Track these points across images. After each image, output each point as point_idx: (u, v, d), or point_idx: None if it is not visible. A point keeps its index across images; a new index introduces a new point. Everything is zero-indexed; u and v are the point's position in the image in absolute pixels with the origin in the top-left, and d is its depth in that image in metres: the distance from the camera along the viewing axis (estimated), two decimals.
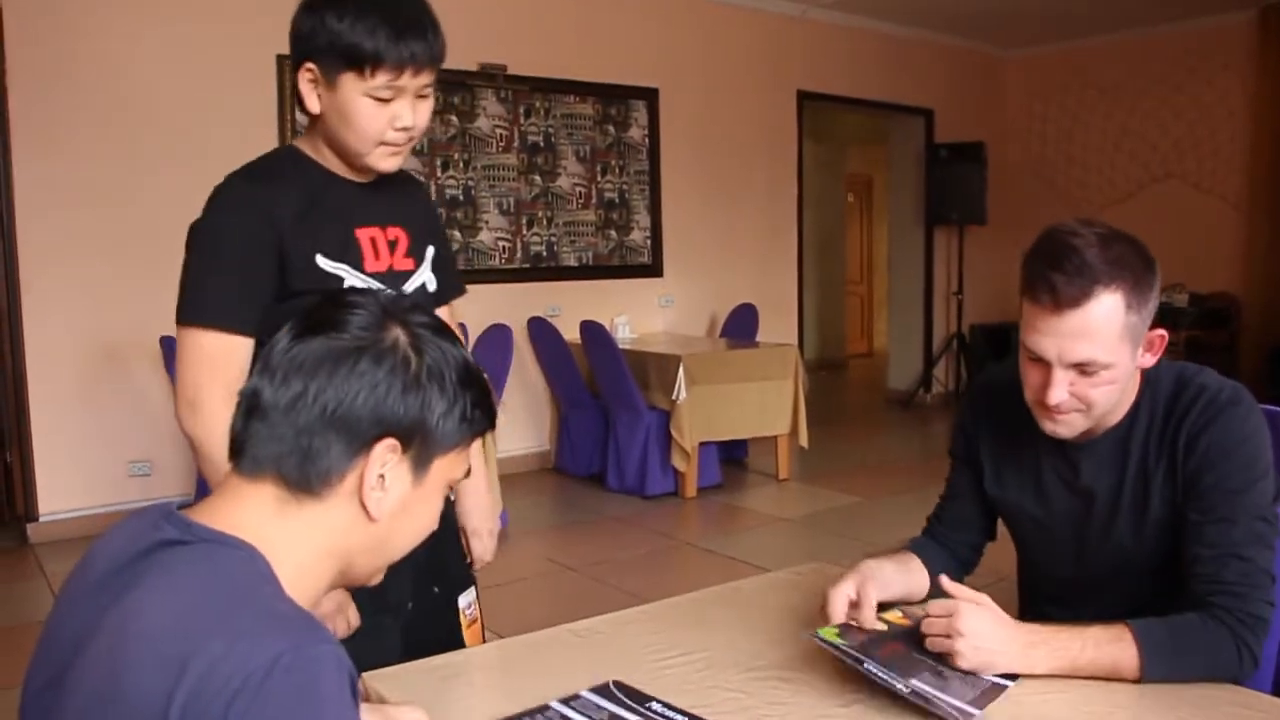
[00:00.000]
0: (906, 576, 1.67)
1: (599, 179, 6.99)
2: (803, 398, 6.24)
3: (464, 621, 1.87)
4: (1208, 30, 8.30)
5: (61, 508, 5.12)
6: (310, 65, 1.59)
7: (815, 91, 8.19)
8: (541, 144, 6.69)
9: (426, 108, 1.64)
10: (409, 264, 1.78)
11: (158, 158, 5.25)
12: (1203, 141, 8.49)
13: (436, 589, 1.82)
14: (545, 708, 1.33)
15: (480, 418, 1.06)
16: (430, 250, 1.83)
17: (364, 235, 1.70)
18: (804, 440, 6.28)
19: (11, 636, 3.92)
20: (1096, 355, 1.44)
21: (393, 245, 1.74)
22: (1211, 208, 8.45)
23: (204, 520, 0.96)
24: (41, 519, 5.09)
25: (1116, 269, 1.43)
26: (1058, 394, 1.48)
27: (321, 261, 1.64)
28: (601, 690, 1.38)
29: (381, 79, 1.55)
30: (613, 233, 7.09)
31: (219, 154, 5.54)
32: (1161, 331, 1.51)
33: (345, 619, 1.59)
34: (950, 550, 1.81)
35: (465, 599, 1.89)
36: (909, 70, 8.80)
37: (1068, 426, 1.53)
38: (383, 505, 1.00)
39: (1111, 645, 1.39)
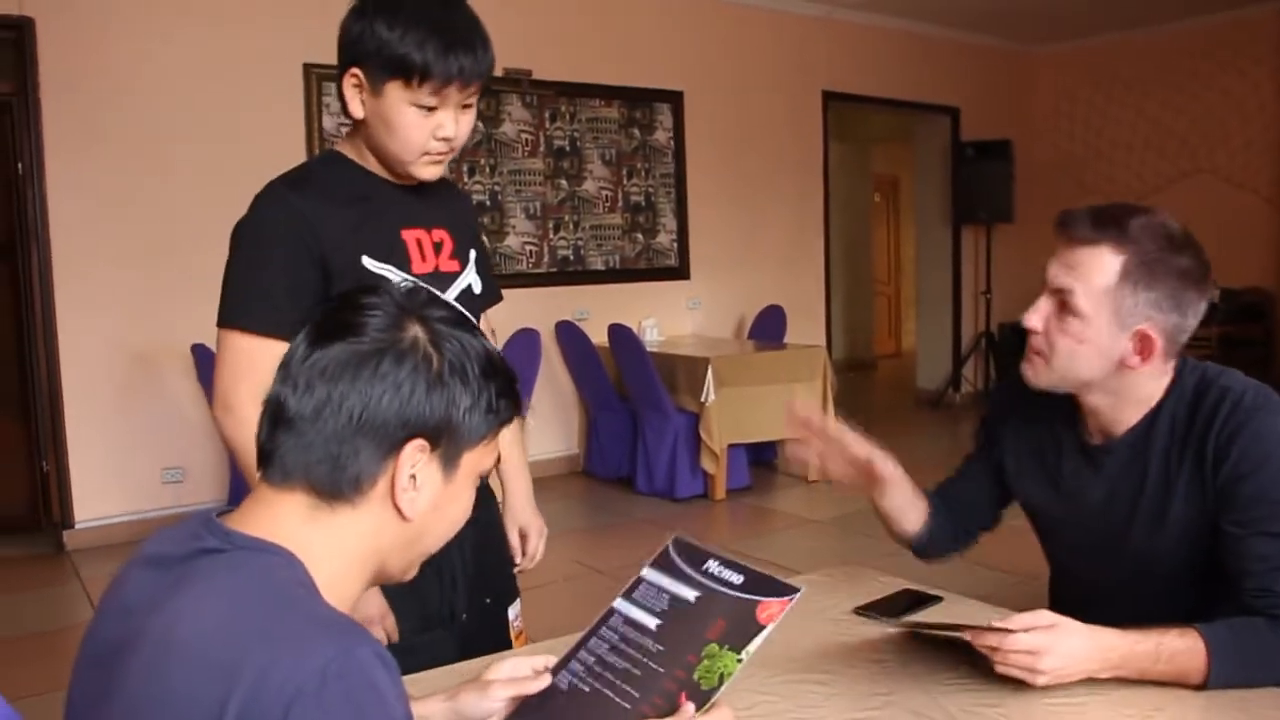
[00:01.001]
0: (911, 493, 1.79)
1: (625, 182, 7.00)
2: (831, 399, 6.21)
3: (512, 632, 1.87)
4: (1238, 23, 8.21)
5: (96, 514, 5.18)
6: (356, 71, 1.59)
7: (840, 92, 8.16)
8: (567, 148, 6.71)
9: (469, 119, 1.65)
10: (454, 265, 1.78)
11: (188, 167, 5.30)
12: (1234, 135, 8.40)
13: (488, 600, 1.81)
14: (610, 612, 1.33)
15: (506, 407, 1.05)
16: (473, 253, 1.84)
17: (410, 236, 1.70)
18: None
19: (48, 641, 3.97)
20: (1075, 291, 1.48)
21: (438, 247, 1.74)
22: (1244, 202, 8.35)
23: (241, 528, 0.96)
24: (77, 525, 5.14)
25: (1136, 241, 1.46)
26: (1033, 316, 1.54)
27: (368, 263, 1.64)
28: (661, 561, 1.37)
29: (427, 90, 1.56)
30: (639, 236, 7.09)
31: (248, 163, 5.62)
32: (1154, 336, 1.47)
33: (384, 630, 1.60)
34: (952, 520, 1.83)
35: (513, 610, 1.89)
36: (934, 69, 8.76)
37: (1033, 370, 1.57)
38: (416, 504, 1.00)
39: (1183, 655, 1.36)
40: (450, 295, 1.76)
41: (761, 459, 6.66)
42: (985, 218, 8.76)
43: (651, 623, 1.29)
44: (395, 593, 1.64)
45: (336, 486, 0.97)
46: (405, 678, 1.47)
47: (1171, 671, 1.37)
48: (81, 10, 5.03)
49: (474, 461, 1.05)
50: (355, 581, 1.02)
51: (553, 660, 1.28)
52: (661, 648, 1.25)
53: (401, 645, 1.61)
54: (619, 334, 6.01)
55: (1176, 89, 8.66)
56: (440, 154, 1.65)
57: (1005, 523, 1.90)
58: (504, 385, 1.04)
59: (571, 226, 6.75)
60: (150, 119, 5.22)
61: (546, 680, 1.25)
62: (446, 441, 1.00)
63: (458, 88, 1.58)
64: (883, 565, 2.00)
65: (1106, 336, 1.48)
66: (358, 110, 1.62)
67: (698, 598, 1.29)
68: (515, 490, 1.98)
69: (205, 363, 5.15)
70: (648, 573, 1.36)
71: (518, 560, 1.98)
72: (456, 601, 1.74)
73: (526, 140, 6.49)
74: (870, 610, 1.69)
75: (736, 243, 7.61)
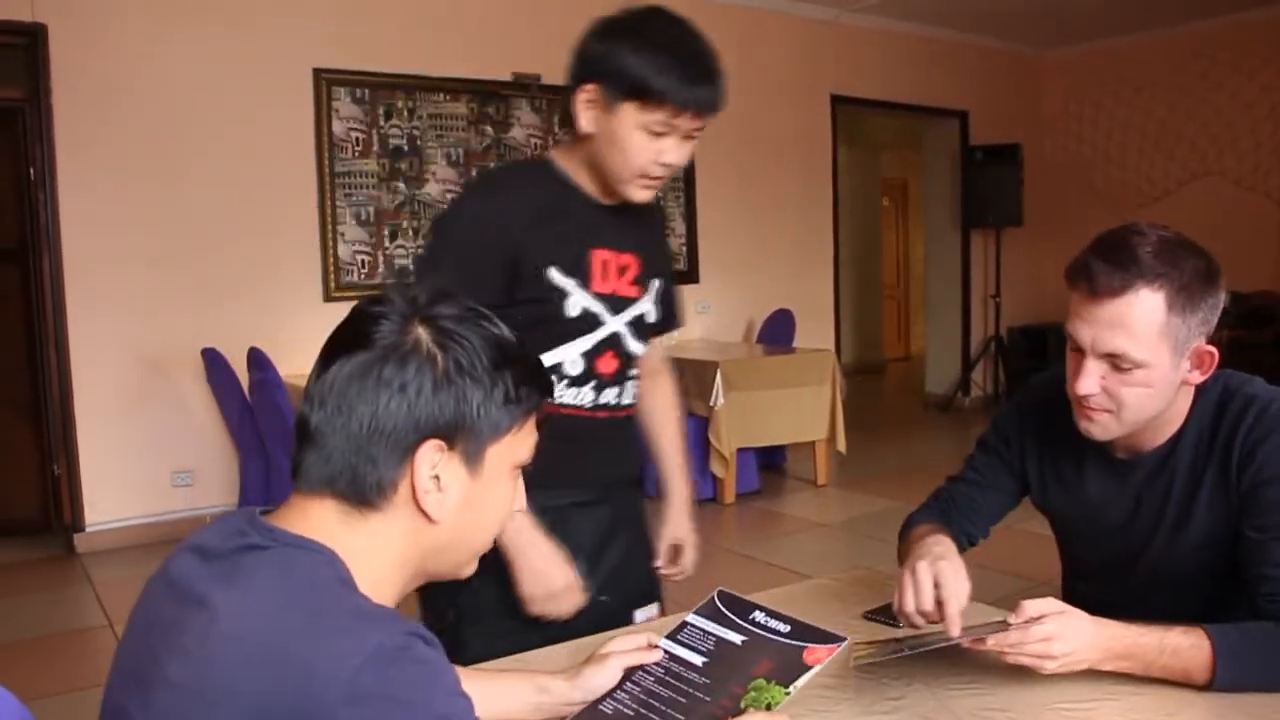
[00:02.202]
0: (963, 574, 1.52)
1: None
2: (840, 403, 6.21)
3: None
4: (1247, 25, 8.19)
5: (107, 517, 5.20)
6: (591, 87, 1.63)
7: (849, 95, 8.16)
8: None
9: (690, 149, 1.68)
10: (634, 291, 1.80)
11: (199, 171, 5.32)
12: (1243, 137, 8.38)
13: (603, 598, 1.80)
14: (654, 648, 1.35)
15: (529, 394, 1.04)
16: (657, 283, 1.87)
17: (597, 256, 1.73)
18: (842, 445, 6.25)
19: (59, 643, 3.99)
20: (1129, 349, 1.41)
21: (622, 270, 1.77)
22: (1254, 205, 8.33)
23: (284, 526, 0.97)
24: (88, 529, 5.16)
25: (1163, 268, 1.40)
26: (1086, 384, 1.45)
27: (553, 273, 1.68)
28: (706, 609, 1.39)
29: (661, 115, 1.60)
30: None
31: (258, 167, 5.66)
32: (1211, 349, 1.47)
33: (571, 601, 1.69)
34: (959, 532, 1.76)
35: (643, 614, 1.89)
36: (943, 72, 8.75)
37: (1101, 427, 1.50)
38: (444, 506, 1.00)
39: (1188, 652, 1.36)
40: (622, 320, 1.78)
41: (771, 463, 6.66)
42: (994, 221, 8.75)
43: (698, 660, 1.32)
44: (502, 585, 1.67)
45: (361, 495, 0.98)
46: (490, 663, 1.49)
47: (1176, 667, 1.36)
48: (93, 17, 5.05)
49: (502, 454, 1.04)
50: (394, 585, 1.02)
51: (658, 638, 1.35)
52: (708, 680, 1.28)
53: (499, 629, 1.66)
54: None
55: (1185, 92, 8.63)
56: (657, 179, 1.68)
57: (1015, 526, 1.89)
58: (522, 373, 1.03)
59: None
60: (161, 124, 5.24)
61: (658, 654, 1.32)
62: (464, 439, 1.00)
63: (690, 117, 1.62)
64: (891, 569, 1.99)
65: (1171, 370, 1.45)
66: (587, 125, 1.66)
67: (744, 641, 1.32)
68: (674, 499, 1.98)
69: (215, 366, 5.17)
70: (692, 618, 1.39)
71: (666, 570, 1.97)
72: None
73: (535, 144, 6.49)
74: (879, 615, 1.69)
75: (745, 246, 7.61)
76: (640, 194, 1.70)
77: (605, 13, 1.68)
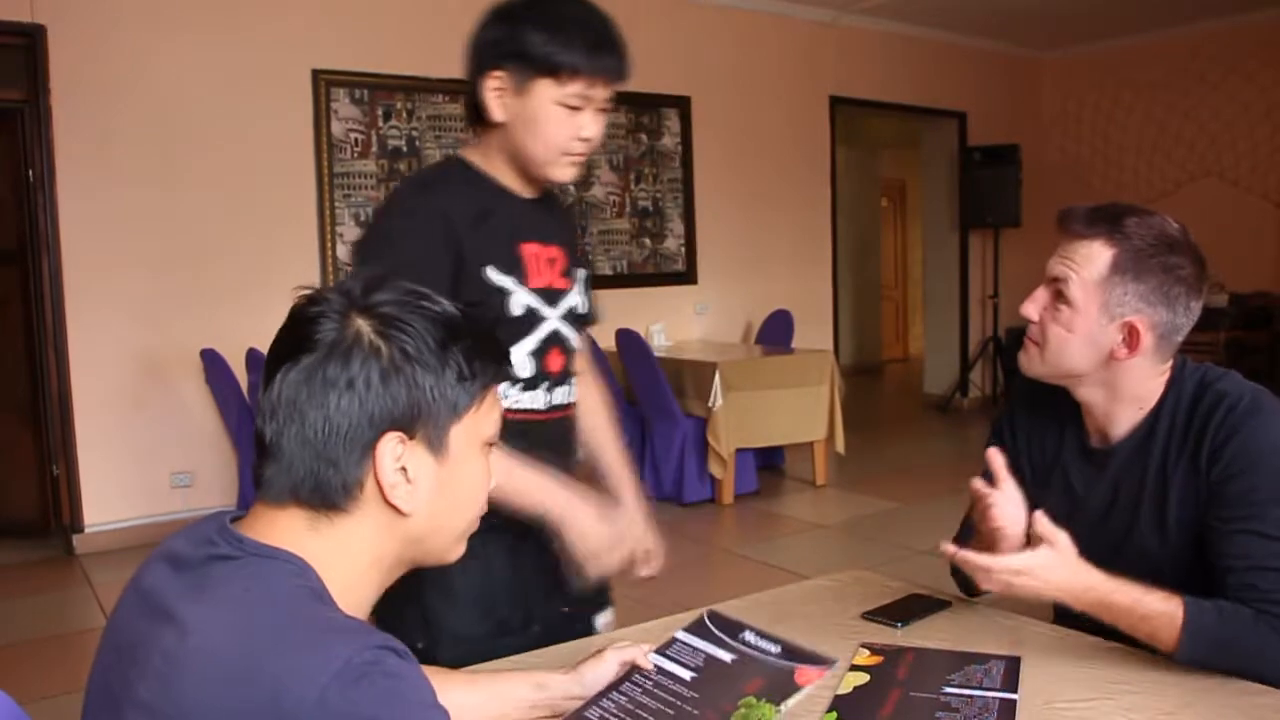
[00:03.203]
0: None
1: (633, 187, 7.01)
2: (839, 403, 6.22)
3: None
4: (1245, 27, 8.20)
5: (106, 518, 5.20)
6: (499, 73, 1.62)
7: (847, 97, 8.17)
8: None
9: (603, 122, 1.69)
10: (564, 283, 1.79)
11: (198, 173, 5.33)
12: (1241, 139, 8.39)
13: (566, 609, 1.79)
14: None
15: (484, 368, 1.01)
16: (581, 273, 1.86)
17: (528, 251, 1.72)
18: (840, 446, 6.26)
19: (57, 645, 3.99)
20: (1070, 280, 1.53)
21: (551, 262, 1.75)
22: (1251, 206, 8.34)
23: (253, 535, 0.96)
24: (87, 529, 5.17)
25: (1128, 237, 1.51)
26: (1029, 306, 1.60)
27: (491, 273, 1.66)
28: (696, 628, 1.40)
29: (575, 88, 1.61)
30: (647, 241, 7.10)
31: (258, 169, 5.66)
32: (1139, 328, 1.50)
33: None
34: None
35: (602, 619, 1.88)
36: (941, 73, 8.76)
37: (1027, 358, 1.62)
38: (415, 497, 0.98)
39: (1159, 619, 1.41)
40: (558, 314, 1.76)
41: (769, 463, 6.66)
42: (992, 222, 8.76)
43: (686, 675, 1.32)
44: (470, 601, 1.66)
45: (328, 499, 0.96)
46: (471, 667, 1.49)
47: (1144, 630, 1.43)
48: (92, 18, 5.06)
49: (467, 433, 1.01)
50: (372, 584, 1.01)
51: (650, 648, 1.37)
52: (697, 695, 1.28)
53: (472, 649, 1.61)
54: (627, 339, 6.02)
55: (1183, 93, 8.65)
56: (579, 155, 1.68)
57: None
58: (473, 348, 1.00)
59: (579, 232, 6.76)
60: (160, 126, 5.25)
61: (651, 659, 1.34)
62: (424, 426, 0.97)
63: (601, 86, 1.63)
64: (890, 570, 2.00)
65: (1095, 326, 1.52)
66: (499, 114, 1.64)
67: (734, 660, 1.32)
68: (629, 500, 1.86)
69: (214, 368, 5.18)
70: (681, 634, 1.39)
71: (642, 572, 1.85)
72: (533, 611, 1.73)
73: None
74: (878, 615, 1.70)
75: (744, 247, 7.62)
76: (565, 173, 1.69)
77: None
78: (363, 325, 0.95)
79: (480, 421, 1.02)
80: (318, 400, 0.93)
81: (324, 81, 5.69)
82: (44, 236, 5.03)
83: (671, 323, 7.15)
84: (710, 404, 5.71)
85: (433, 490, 0.99)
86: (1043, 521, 1.44)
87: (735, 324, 7.62)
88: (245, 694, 0.82)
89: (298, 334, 0.96)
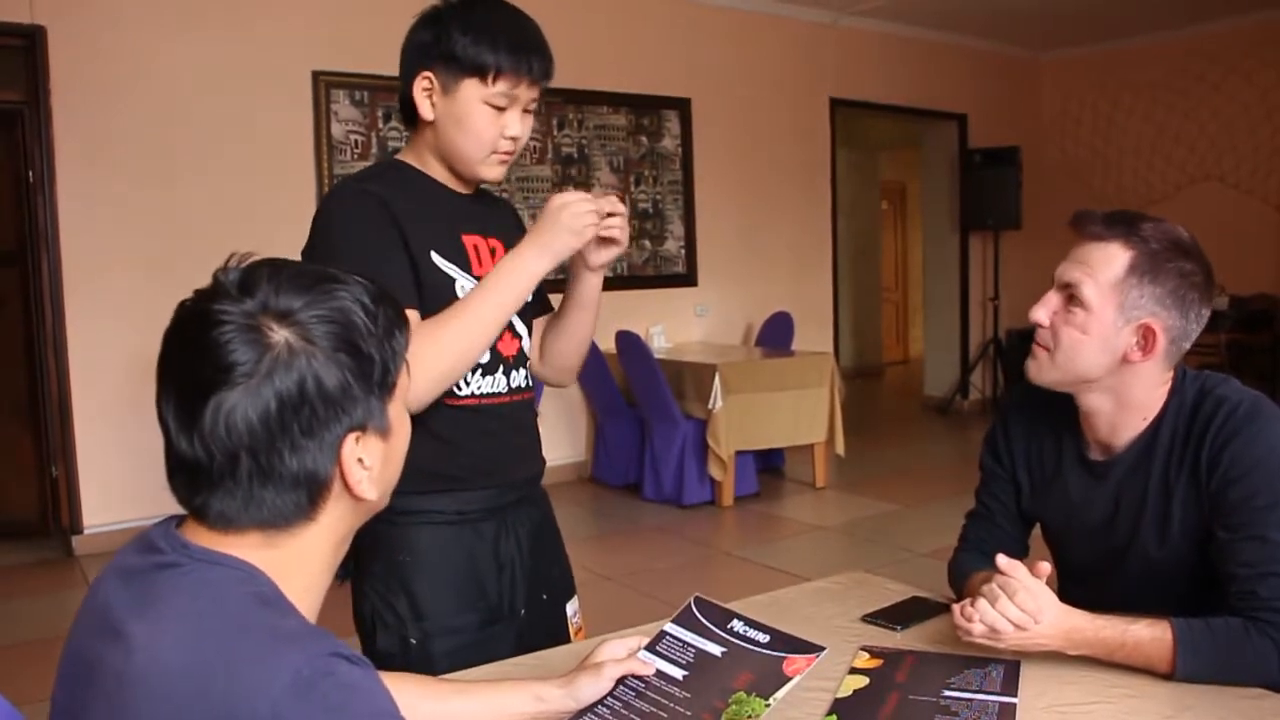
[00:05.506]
0: None
1: (633, 189, 7.01)
2: (839, 406, 6.22)
3: (571, 629, 1.90)
4: (1245, 29, 8.20)
5: (105, 520, 5.19)
6: (428, 74, 1.66)
7: (848, 98, 8.17)
8: (575, 155, 6.72)
9: (530, 123, 1.74)
10: None
11: (198, 174, 5.33)
12: (1241, 141, 8.39)
13: (545, 596, 1.86)
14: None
15: (403, 331, 0.99)
16: None
17: (469, 241, 1.75)
18: (841, 448, 6.26)
19: (56, 647, 3.94)
20: (1083, 284, 1.52)
21: (493, 253, 1.78)
22: (1251, 209, 8.34)
23: (199, 540, 0.94)
24: (86, 531, 5.16)
25: (1144, 241, 1.50)
26: (1040, 310, 1.58)
27: (436, 259, 1.68)
28: (684, 617, 1.39)
29: (501, 87, 1.65)
30: (647, 243, 7.10)
31: (258, 170, 5.65)
32: (1156, 329, 1.50)
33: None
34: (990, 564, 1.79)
35: (571, 606, 1.93)
36: (942, 75, 8.76)
37: (1037, 365, 1.60)
38: (373, 477, 0.97)
39: (1150, 645, 1.41)
40: None
41: (769, 466, 6.66)
42: (993, 224, 8.76)
43: (678, 673, 1.32)
44: (459, 589, 1.69)
45: (293, 522, 0.94)
46: (468, 671, 1.51)
47: (1138, 658, 1.42)
48: (92, 19, 5.06)
49: (399, 399, 1.00)
50: (329, 571, 1.00)
51: (644, 640, 1.36)
52: (688, 694, 1.27)
53: (464, 639, 1.67)
54: (626, 341, 6.02)
55: (1184, 95, 8.64)
56: (507, 154, 1.72)
57: None
58: (394, 309, 0.99)
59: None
60: (161, 127, 5.25)
61: (651, 667, 1.32)
62: (373, 416, 0.96)
63: (527, 85, 1.68)
64: (890, 573, 2.00)
65: (1111, 329, 1.52)
66: (428, 113, 1.68)
67: (724, 653, 1.32)
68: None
69: None
70: (670, 628, 1.39)
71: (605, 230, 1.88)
72: (516, 597, 1.78)
73: (534, 147, 6.50)
74: (878, 618, 1.69)
75: (744, 249, 7.62)
76: (494, 171, 1.73)
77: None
78: (282, 336, 0.91)
79: (405, 381, 1.02)
80: (278, 440, 0.90)
81: (324, 83, 5.69)
82: (43, 237, 5.03)
83: (671, 324, 7.14)
84: (710, 406, 5.71)
85: (383, 464, 0.99)
86: (1016, 567, 1.42)
87: (735, 326, 7.62)
88: (197, 710, 0.80)
89: (210, 358, 0.91)
